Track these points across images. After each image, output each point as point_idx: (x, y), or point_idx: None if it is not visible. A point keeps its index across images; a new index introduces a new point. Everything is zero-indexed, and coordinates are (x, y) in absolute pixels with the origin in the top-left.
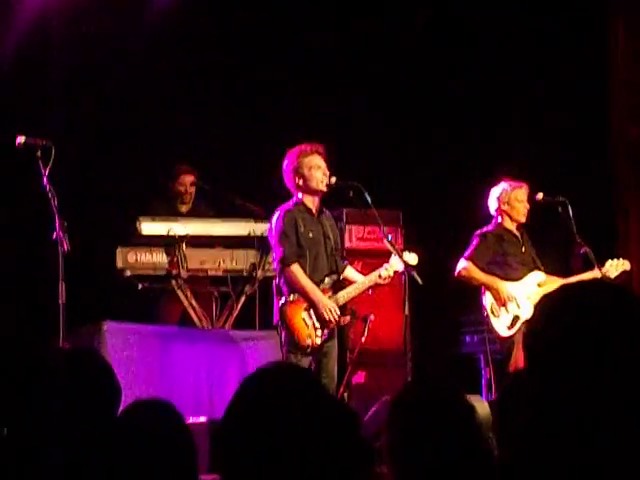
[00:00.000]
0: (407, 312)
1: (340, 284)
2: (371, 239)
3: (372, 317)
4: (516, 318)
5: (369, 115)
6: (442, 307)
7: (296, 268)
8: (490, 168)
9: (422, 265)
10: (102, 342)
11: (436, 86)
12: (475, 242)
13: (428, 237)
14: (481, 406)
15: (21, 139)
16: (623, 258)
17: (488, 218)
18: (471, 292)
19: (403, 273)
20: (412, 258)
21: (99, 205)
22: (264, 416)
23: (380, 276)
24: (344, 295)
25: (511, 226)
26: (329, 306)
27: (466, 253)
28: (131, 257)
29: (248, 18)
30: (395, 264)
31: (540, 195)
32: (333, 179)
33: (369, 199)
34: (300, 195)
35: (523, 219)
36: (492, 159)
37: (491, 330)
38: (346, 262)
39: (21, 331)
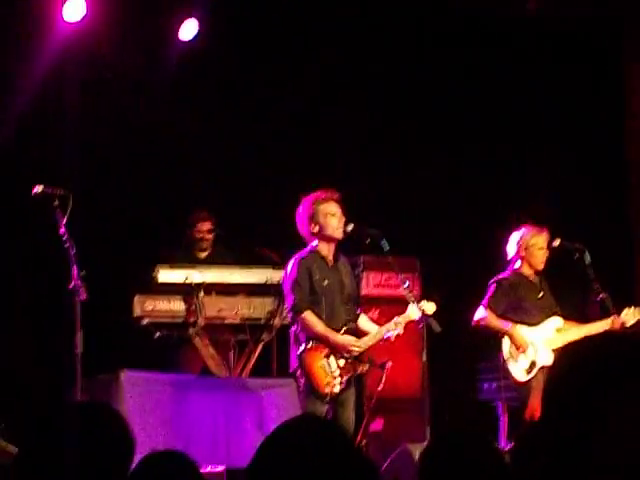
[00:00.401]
0: (425, 359)
1: (356, 333)
2: (388, 286)
3: (390, 364)
4: (533, 364)
5: (388, 162)
6: (460, 354)
7: (308, 314)
8: (508, 214)
9: (439, 312)
10: (119, 391)
11: (455, 135)
12: (491, 289)
13: (445, 284)
14: None
15: (39, 188)
16: None
17: (506, 264)
18: (488, 339)
19: (420, 321)
20: (430, 307)
21: (116, 253)
22: (291, 470)
23: (391, 329)
24: (363, 343)
25: (529, 272)
26: (348, 342)
27: (483, 301)
28: (148, 305)
29: (267, 66)
30: (412, 313)
31: (557, 241)
32: (350, 226)
33: (386, 246)
34: (315, 242)
35: (541, 266)
36: (510, 205)
37: (508, 376)
38: (359, 311)
39: (38, 381)
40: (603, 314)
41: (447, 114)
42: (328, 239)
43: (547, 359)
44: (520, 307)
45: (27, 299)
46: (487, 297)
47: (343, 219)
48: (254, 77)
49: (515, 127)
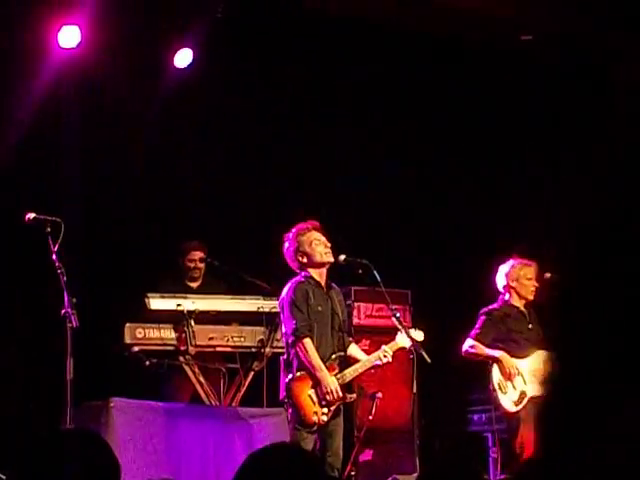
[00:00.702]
0: (415, 390)
1: (346, 361)
2: (379, 317)
3: (380, 395)
4: (523, 394)
5: (378, 194)
6: (450, 386)
7: (307, 342)
8: (497, 248)
9: (430, 344)
10: (109, 419)
11: (442, 165)
12: (480, 320)
13: (436, 317)
14: None
15: (31, 215)
16: None
17: (496, 295)
18: (478, 371)
19: (411, 351)
20: (418, 335)
21: (107, 281)
22: None
23: (384, 355)
24: (351, 372)
25: (518, 303)
26: (331, 386)
27: (472, 332)
28: (139, 333)
29: (260, 96)
30: (401, 341)
31: (548, 274)
32: (342, 257)
33: (378, 277)
34: (308, 271)
35: (531, 297)
36: (500, 239)
37: (498, 407)
38: (351, 339)
39: (28, 408)
40: None
41: (434, 141)
42: (318, 265)
43: (536, 390)
44: (509, 338)
45: (18, 326)
46: (475, 328)
47: (329, 244)
48: (248, 106)
49: (505, 161)
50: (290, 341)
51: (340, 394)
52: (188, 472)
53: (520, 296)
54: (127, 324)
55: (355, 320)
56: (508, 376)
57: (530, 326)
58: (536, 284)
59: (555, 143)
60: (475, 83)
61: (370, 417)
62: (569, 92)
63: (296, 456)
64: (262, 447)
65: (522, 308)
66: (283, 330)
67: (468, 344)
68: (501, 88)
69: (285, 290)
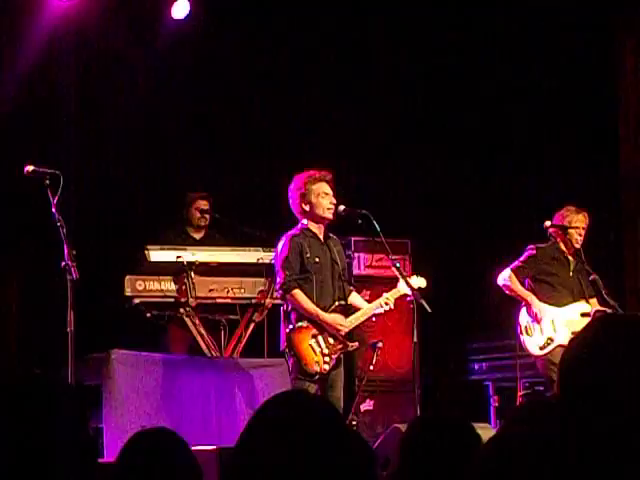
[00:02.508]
0: (416, 339)
1: (348, 310)
2: (379, 267)
3: (381, 344)
4: (550, 340)
5: (379, 143)
6: (450, 335)
7: (297, 293)
8: (496, 195)
9: (430, 293)
10: (111, 370)
11: (446, 118)
12: (526, 255)
13: (436, 266)
14: (489, 435)
15: (29, 168)
16: (631, 287)
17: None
18: (479, 320)
19: (412, 301)
20: (421, 282)
21: (108, 233)
22: (279, 444)
23: (386, 303)
24: (352, 321)
25: (565, 249)
26: (336, 322)
27: (513, 264)
28: (139, 285)
29: (259, 46)
30: (403, 288)
31: (548, 223)
32: (341, 207)
33: (377, 227)
34: (306, 221)
35: (577, 245)
36: (499, 188)
37: (527, 351)
38: (351, 287)
39: (29, 360)
40: (595, 295)
41: (440, 97)
42: (318, 219)
43: (565, 339)
44: (546, 281)
45: (18, 278)
46: (518, 261)
47: (334, 200)
48: (247, 57)
49: (504, 113)
50: (280, 295)
51: (344, 322)
52: (190, 422)
53: (566, 242)
54: (127, 276)
55: (355, 270)
56: (535, 318)
57: (571, 274)
58: (582, 233)
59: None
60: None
61: (371, 367)
62: None
63: (315, 402)
64: (276, 394)
65: (568, 255)
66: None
67: (506, 275)
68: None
69: (279, 244)
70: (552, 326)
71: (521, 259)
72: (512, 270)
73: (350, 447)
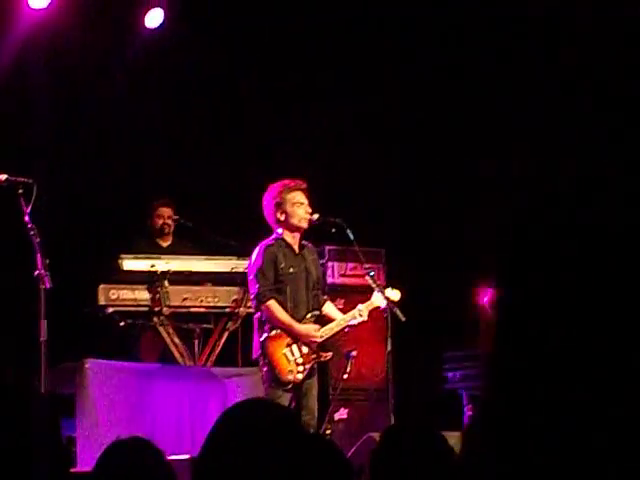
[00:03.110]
0: (389, 348)
1: (321, 320)
2: (353, 275)
3: (355, 353)
4: None
5: (353, 151)
6: (425, 343)
7: (272, 304)
8: (471, 205)
9: (404, 302)
10: (84, 380)
11: (422, 127)
12: None
13: (410, 275)
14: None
15: (2, 176)
16: None
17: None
18: (453, 328)
19: (385, 310)
20: (394, 294)
21: (81, 242)
22: (241, 450)
23: (360, 314)
24: (326, 331)
25: None
26: (309, 333)
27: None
28: (113, 294)
29: (233, 54)
30: (377, 300)
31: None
32: (315, 215)
33: (351, 236)
34: (280, 231)
35: None
36: (473, 196)
37: None
38: (325, 297)
39: (1, 369)
40: None
41: (416, 112)
42: (294, 228)
43: None
44: None
45: None
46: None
47: (309, 209)
48: (219, 65)
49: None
50: (254, 306)
51: (319, 332)
52: (163, 431)
53: None
54: (101, 285)
55: (329, 279)
56: None
57: None
58: None
59: None
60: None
61: (345, 376)
62: None
63: (272, 410)
64: (236, 402)
65: None
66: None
67: (490, 295)
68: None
69: (254, 254)
70: None
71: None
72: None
73: (317, 454)
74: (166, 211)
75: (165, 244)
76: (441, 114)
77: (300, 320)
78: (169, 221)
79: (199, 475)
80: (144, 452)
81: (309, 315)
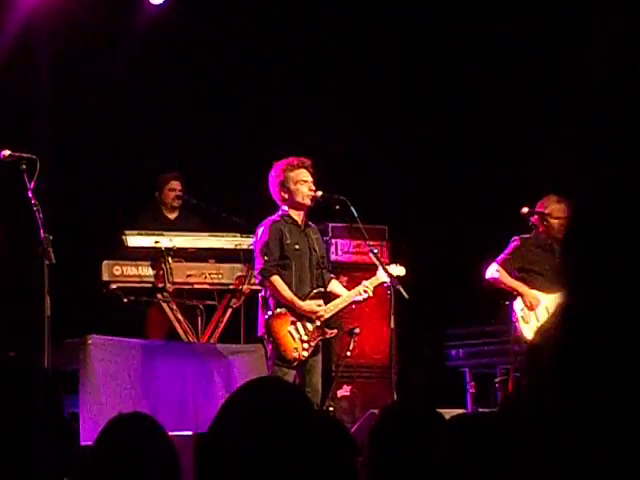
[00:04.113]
0: (393, 326)
1: (327, 297)
2: (357, 253)
3: (358, 331)
4: None
5: (358, 129)
6: (428, 321)
7: (275, 279)
8: (476, 182)
9: (408, 279)
10: (87, 356)
11: (427, 105)
12: (511, 247)
13: (413, 252)
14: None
15: (6, 152)
16: None
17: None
18: (456, 306)
19: (389, 287)
20: (399, 270)
21: (85, 218)
22: (250, 429)
23: (365, 291)
24: (331, 308)
25: (551, 239)
26: (312, 309)
27: (499, 257)
28: (117, 270)
29: (238, 31)
30: (382, 276)
31: (525, 209)
32: (319, 193)
33: (355, 213)
34: (285, 208)
35: (559, 235)
36: (478, 175)
37: (517, 340)
38: (331, 275)
39: (5, 344)
40: None
41: (420, 83)
42: (298, 206)
43: None
44: (535, 271)
45: None
46: (505, 254)
47: (313, 187)
48: (224, 42)
49: (482, 96)
50: (258, 281)
51: (322, 306)
52: (166, 408)
53: (546, 230)
54: (105, 261)
55: (333, 257)
56: (530, 306)
57: (558, 261)
58: (564, 223)
59: None
60: None
61: (348, 353)
62: None
63: (285, 389)
64: (251, 380)
65: (554, 244)
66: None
67: (493, 269)
68: None
69: (260, 230)
70: (546, 313)
71: (507, 252)
72: (499, 263)
73: (324, 432)
74: (177, 184)
75: (172, 216)
76: (446, 92)
77: (304, 297)
78: (178, 194)
79: (207, 451)
80: (145, 427)
81: (313, 292)
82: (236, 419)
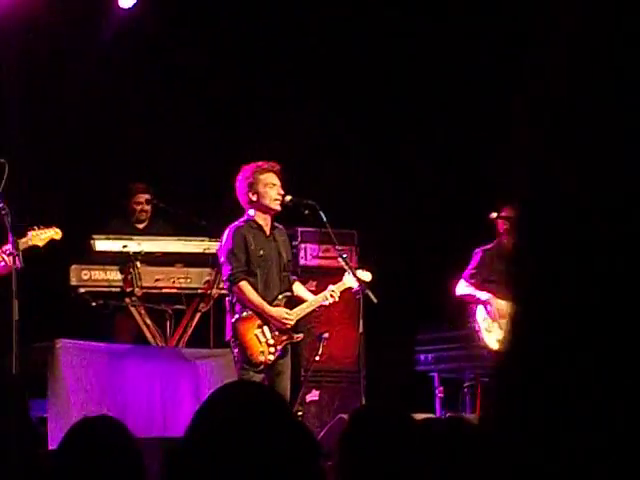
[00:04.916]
0: (361, 330)
1: (293, 301)
2: (326, 257)
3: (327, 335)
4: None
5: (326, 133)
6: (396, 326)
7: (244, 285)
8: (443, 186)
9: (377, 283)
10: (56, 360)
11: (395, 106)
12: (475, 260)
13: (382, 257)
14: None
15: None
16: None
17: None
18: (425, 311)
19: (358, 292)
20: (366, 276)
21: (52, 222)
22: (226, 434)
23: (331, 295)
24: (297, 312)
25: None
26: (281, 316)
27: (465, 272)
28: (85, 274)
29: (207, 34)
30: (348, 281)
31: (494, 214)
32: (288, 197)
33: (324, 218)
34: (252, 212)
35: None
36: (446, 179)
37: (479, 345)
38: (294, 277)
39: None
40: None
41: (390, 93)
42: (265, 209)
43: None
44: (500, 280)
45: None
46: (469, 268)
47: (282, 191)
48: (193, 45)
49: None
50: (226, 287)
51: (291, 315)
52: (135, 412)
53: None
54: (73, 266)
55: (302, 261)
56: (494, 317)
57: None
58: None
59: None
60: None
61: (317, 357)
62: None
63: (261, 392)
64: (224, 384)
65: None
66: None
67: (463, 285)
68: None
69: (224, 236)
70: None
71: (471, 266)
72: (465, 279)
73: (295, 438)
74: (143, 197)
75: (141, 226)
76: (416, 93)
77: (271, 302)
78: (146, 207)
79: (181, 457)
80: (110, 430)
81: (280, 296)
82: (213, 423)
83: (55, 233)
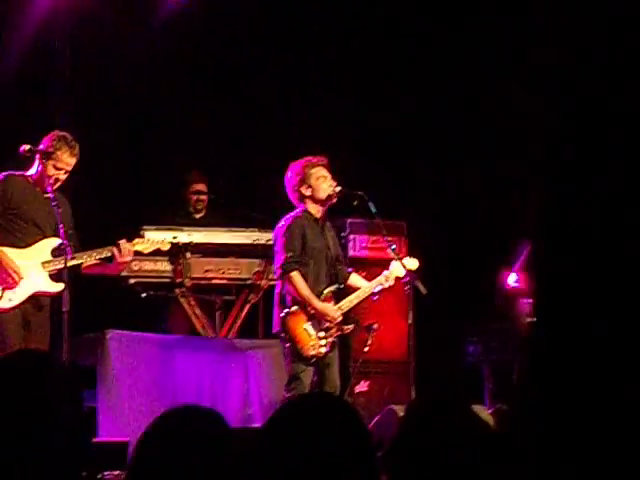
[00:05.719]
0: (411, 321)
1: (343, 293)
2: (375, 248)
3: (376, 326)
4: None
5: (376, 125)
6: (446, 317)
7: (295, 275)
8: (494, 178)
9: (426, 275)
10: (105, 350)
11: (446, 100)
12: (525, 250)
13: (432, 248)
14: (484, 416)
15: (26, 147)
16: None
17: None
18: (474, 303)
19: (407, 282)
20: (412, 263)
21: (104, 213)
22: (296, 445)
23: (381, 283)
24: (347, 303)
25: None
26: (326, 312)
27: (516, 265)
28: (135, 265)
29: (260, 27)
30: (396, 270)
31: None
32: (338, 188)
33: (373, 208)
34: (305, 206)
35: None
36: (494, 171)
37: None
38: (350, 270)
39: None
40: None
41: (438, 86)
42: (320, 202)
43: None
44: None
45: None
46: (520, 260)
47: (334, 184)
48: (246, 38)
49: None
50: (278, 275)
51: (336, 311)
52: (184, 402)
53: None
54: None
55: (351, 252)
56: None
57: None
58: None
59: None
60: None
61: (366, 349)
62: None
63: (337, 405)
64: (303, 394)
65: None
66: (275, 263)
67: (513, 278)
68: None
69: (282, 223)
70: None
71: (521, 257)
72: (516, 271)
73: (360, 442)
74: (200, 186)
75: (198, 215)
76: (467, 89)
77: (319, 294)
78: (203, 197)
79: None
80: (207, 419)
81: (327, 290)
82: (284, 434)
83: (162, 244)
